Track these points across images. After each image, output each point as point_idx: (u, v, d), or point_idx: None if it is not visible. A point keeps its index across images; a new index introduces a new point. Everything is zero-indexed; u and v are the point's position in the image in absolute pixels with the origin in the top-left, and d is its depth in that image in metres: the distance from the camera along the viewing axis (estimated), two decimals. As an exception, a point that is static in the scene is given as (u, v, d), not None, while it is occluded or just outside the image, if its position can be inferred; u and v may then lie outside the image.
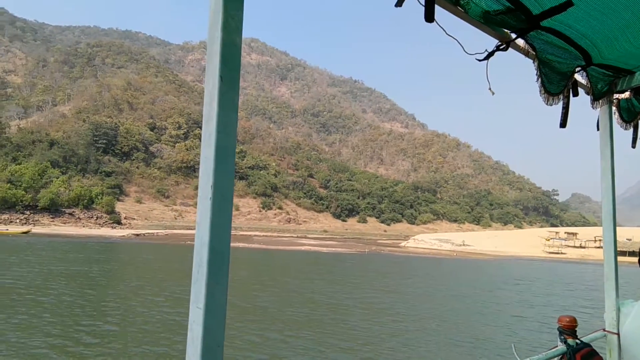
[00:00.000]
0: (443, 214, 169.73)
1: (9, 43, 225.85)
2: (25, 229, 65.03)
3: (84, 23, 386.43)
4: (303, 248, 59.65)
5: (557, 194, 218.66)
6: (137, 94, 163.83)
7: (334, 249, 62.53)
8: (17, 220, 76.79)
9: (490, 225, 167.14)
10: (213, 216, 1.13)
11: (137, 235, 74.08)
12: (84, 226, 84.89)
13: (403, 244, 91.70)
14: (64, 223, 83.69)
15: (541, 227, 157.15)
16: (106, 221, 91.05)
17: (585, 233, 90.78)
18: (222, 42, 1.16)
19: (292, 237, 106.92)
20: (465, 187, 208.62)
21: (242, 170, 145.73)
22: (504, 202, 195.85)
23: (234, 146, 1.19)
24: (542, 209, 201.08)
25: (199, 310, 1.11)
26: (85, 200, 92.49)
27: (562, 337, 3.30)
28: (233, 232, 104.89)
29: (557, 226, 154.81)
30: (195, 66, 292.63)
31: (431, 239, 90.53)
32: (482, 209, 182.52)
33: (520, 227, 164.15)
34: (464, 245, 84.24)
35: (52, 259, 32.47)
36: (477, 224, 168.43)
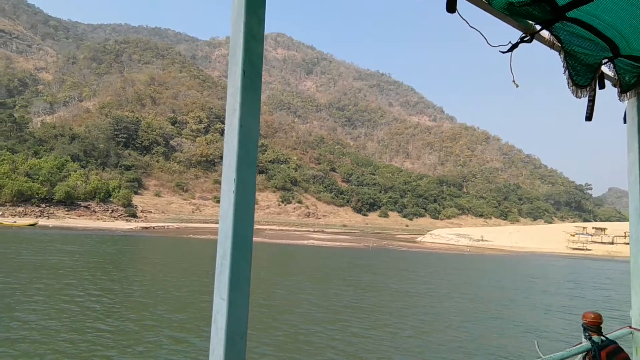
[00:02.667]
0: (468, 208, 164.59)
1: (41, 41, 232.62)
2: (31, 221, 65.58)
3: (116, 21, 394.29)
4: (307, 242, 57.86)
5: (591, 188, 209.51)
6: (160, 89, 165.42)
7: (339, 243, 60.57)
8: (32, 213, 77.80)
9: (518, 220, 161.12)
10: (236, 209, 1.15)
11: (147, 228, 73.92)
12: (98, 219, 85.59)
13: (419, 238, 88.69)
14: (79, 216, 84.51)
15: (573, 222, 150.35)
16: (121, 214, 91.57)
17: (614, 228, 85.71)
18: (245, 37, 1.18)
19: (308, 231, 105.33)
20: (494, 181, 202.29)
21: (261, 164, 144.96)
22: (534, 196, 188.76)
23: (257, 139, 1.20)
24: (575, 204, 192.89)
25: (223, 302, 1.13)
26: (102, 194, 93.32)
27: (587, 334, 3.21)
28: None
29: (590, 221, 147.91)
30: (222, 62, 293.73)
31: (448, 234, 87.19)
32: (510, 204, 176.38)
33: (550, 223, 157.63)
34: (482, 240, 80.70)
35: (26, 250, 31.77)
36: (504, 219, 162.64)
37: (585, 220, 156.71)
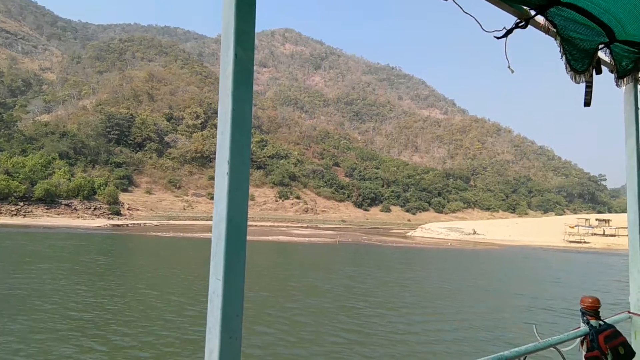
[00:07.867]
0: (474, 202, 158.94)
1: (46, 42, 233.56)
2: (-11, 220, 63.84)
3: (127, 20, 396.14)
4: (272, 238, 54.18)
5: (605, 179, 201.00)
6: (158, 85, 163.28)
7: (308, 239, 56.86)
8: (8, 212, 75.99)
9: (527, 214, 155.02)
10: (230, 191, 1.16)
11: (118, 226, 71.33)
12: (78, 217, 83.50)
13: (410, 233, 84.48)
14: (58, 214, 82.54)
15: (586, 214, 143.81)
16: (104, 212, 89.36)
17: (620, 220, 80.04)
18: (236, 20, 1.19)
19: (299, 226, 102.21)
20: (505, 174, 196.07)
21: (259, 160, 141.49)
22: (545, 188, 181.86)
23: (250, 122, 1.22)
24: (588, 196, 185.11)
25: (218, 282, 1.15)
26: (86, 191, 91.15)
27: (585, 318, 3.24)
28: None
29: (604, 213, 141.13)
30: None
31: (440, 228, 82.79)
32: (518, 197, 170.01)
33: (562, 215, 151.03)
34: (474, 234, 76.17)
35: None
36: (512, 212, 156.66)
37: (600, 212, 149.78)
